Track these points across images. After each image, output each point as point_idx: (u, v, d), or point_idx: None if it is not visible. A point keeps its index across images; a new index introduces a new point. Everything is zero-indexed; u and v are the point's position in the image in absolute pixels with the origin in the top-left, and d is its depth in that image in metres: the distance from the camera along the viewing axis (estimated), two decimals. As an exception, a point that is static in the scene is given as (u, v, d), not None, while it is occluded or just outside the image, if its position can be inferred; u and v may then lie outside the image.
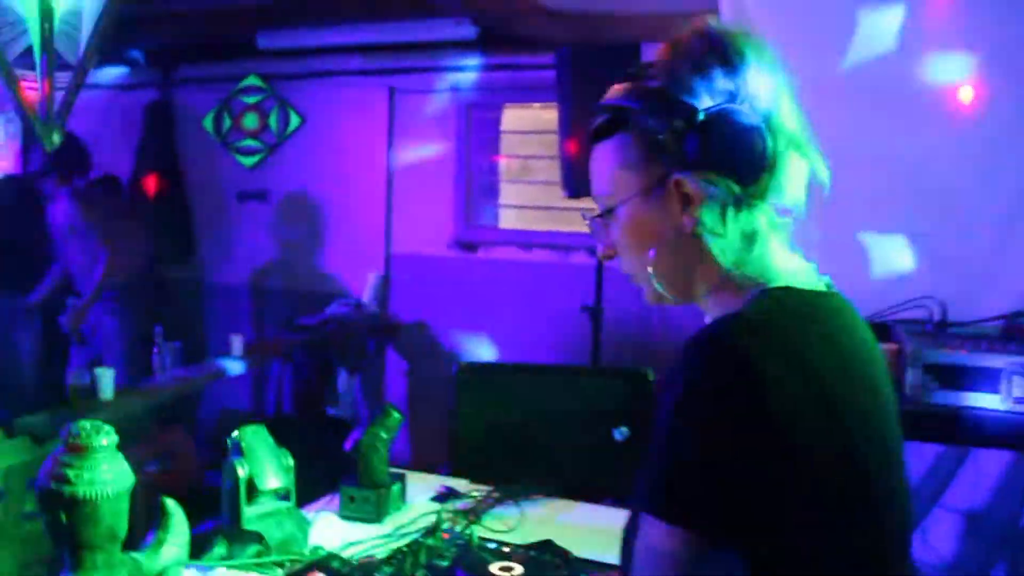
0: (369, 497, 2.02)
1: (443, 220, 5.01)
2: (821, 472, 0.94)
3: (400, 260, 5.11)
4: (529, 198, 4.93)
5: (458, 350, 4.82)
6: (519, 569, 1.63)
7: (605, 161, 1.13)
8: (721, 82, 1.04)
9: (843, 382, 1.00)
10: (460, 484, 2.27)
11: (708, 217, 1.04)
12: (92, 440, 1.38)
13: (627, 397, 2.53)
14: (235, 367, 4.02)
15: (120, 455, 1.43)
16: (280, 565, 1.73)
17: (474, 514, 2.05)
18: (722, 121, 1.02)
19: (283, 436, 3.57)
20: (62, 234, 4.36)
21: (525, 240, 4.87)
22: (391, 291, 5.10)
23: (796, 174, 1.08)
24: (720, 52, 1.05)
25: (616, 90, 1.11)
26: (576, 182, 3.89)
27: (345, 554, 1.80)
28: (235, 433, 1.81)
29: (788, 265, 1.09)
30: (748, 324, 0.98)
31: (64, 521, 1.38)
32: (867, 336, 1.10)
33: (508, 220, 5.04)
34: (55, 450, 1.38)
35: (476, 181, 5.00)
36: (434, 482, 2.30)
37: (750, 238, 1.06)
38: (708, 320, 1.08)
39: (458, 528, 1.91)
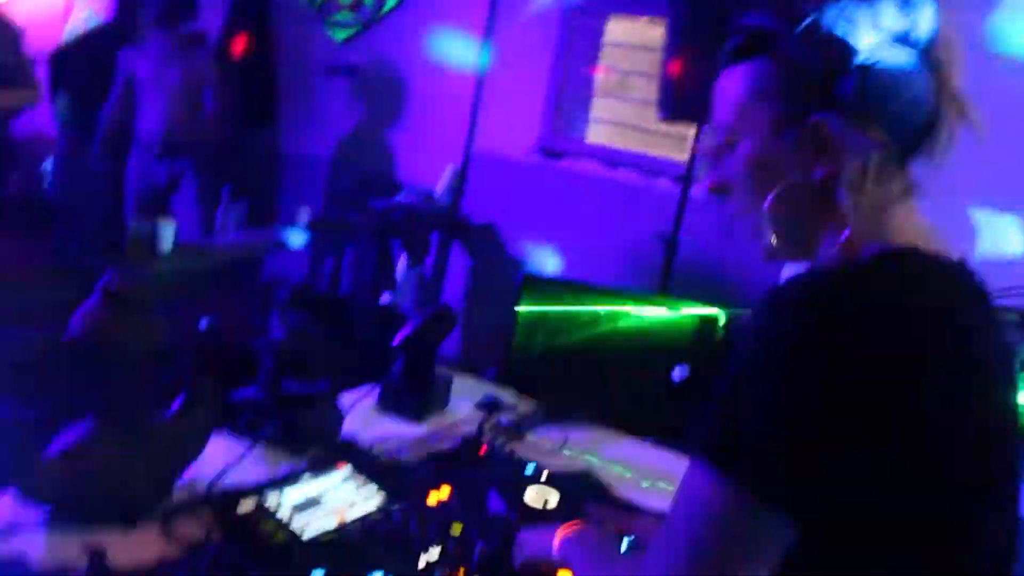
0: (410, 395, 1.95)
1: (530, 124, 4.83)
2: (900, 460, 0.82)
3: (480, 158, 4.97)
4: (622, 115, 4.72)
5: (523, 257, 4.72)
6: (555, 499, 1.53)
7: (736, 87, 0.97)
8: (891, 17, 0.90)
9: (956, 372, 0.86)
10: (506, 394, 2.19)
11: (847, 170, 0.90)
12: (129, 294, 1.31)
13: (693, 336, 2.40)
14: (297, 239, 3.96)
15: (155, 313, 1.36)
16: (306, 450, 1.66)
17: (516, 430, 1.97)
18: (886, 63, 0.88)
19: (334, 316, 3.53)
20: (143, 83, 4.27)
21: (612, 157, 4.68)
22: (466, 188, 4.98)
23: (951, 136, 0.94)
24: None
25: (762, 9, 0.95)
26: (674, 105, 3.69)
27: (376, 450, 1.73)
28: (281, 308, 1.73)
29: (922, 236, 0.94)
30: (855, 276, 0.86)
31: (92, 375, 1.32)
32: (998, 327, 0.95)
33: (596, 135, 4.85)
34: (89, 299, 1.31)
35: (569, 90, 4.80)
36: (480, 388, 2.22)
37: (888, 201, 0.93)
38: None
39: (498, 443, 1.83)
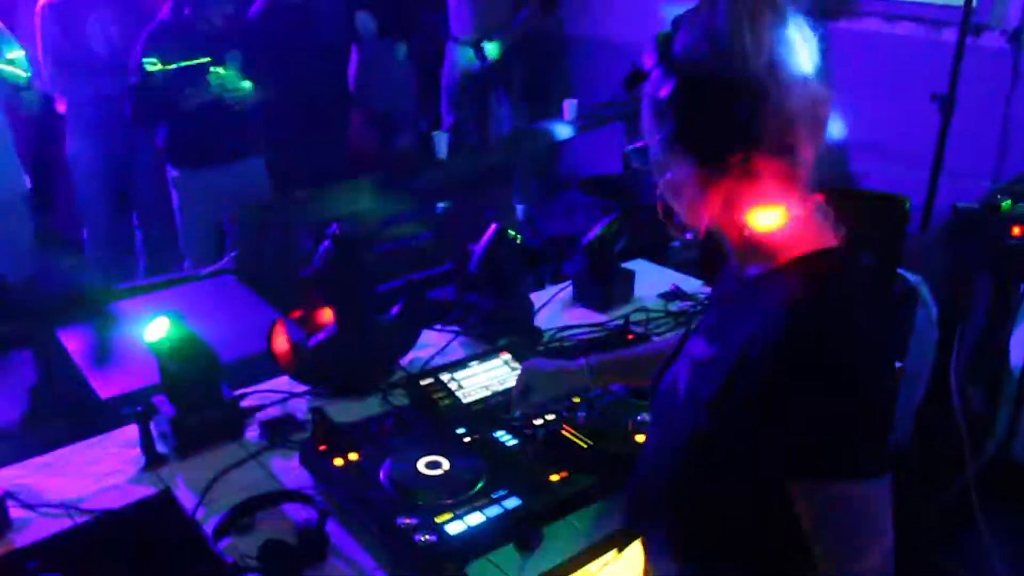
0: (595, 288, 2.57)
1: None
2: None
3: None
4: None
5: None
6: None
7: (644, 106, 1.28)
8: (715, 64, 1.15)
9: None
10: (693, 284, 2.73)
11: (682, 187, 1.24)
12: (349, 239, 2.05)
13: (877, 221, 2.73)
14: (563, 131, 4.60)
15: (369, 249, 2.09)
16: (500, 338, 2.34)
17: (685, 317, 2.52)
18: (693, 108, 1.17)
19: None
20: None
21: (891, 11, 4.79)
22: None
23: (797, 146, 1.18)
24: (718, 18, 1.16)
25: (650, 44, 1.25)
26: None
27: (557, 336, 2.39)
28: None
29: (809, 224, 1.23)
30: (843, 309, 1.17)
31: (327, 291, 2.11)
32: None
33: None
34: (322, 243, 2.07)
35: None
36: (671, 278, 2.78)
37: (727, 198, 1.21)
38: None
39: (646, 330, 2.41)
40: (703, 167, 1.20)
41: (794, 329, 1.14)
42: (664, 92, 1.19)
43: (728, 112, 1.15)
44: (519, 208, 5.32)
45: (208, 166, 3.95)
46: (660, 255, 3.14)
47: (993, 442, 3.47)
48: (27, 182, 3.89)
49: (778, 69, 1.14)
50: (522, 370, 1.87)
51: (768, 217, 1.21)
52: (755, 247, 1.25)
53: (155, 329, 1.86)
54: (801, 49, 1.17)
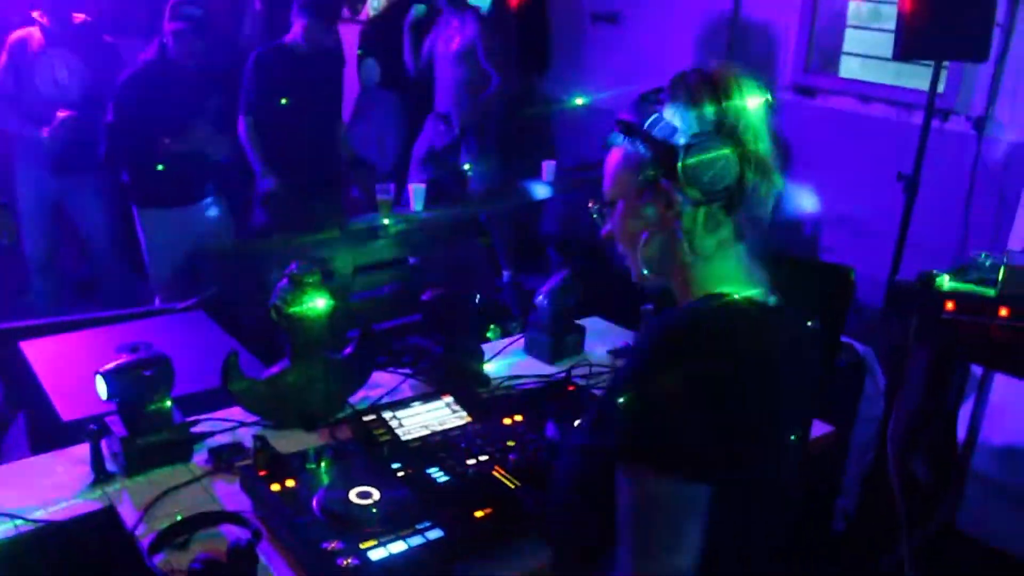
0: (544, 341, 2.69)
1: (783, 60, 5.23)
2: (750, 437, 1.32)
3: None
4: (875, 47, 4.98)
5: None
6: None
7: (614, 163, 1.49)
8: (708, 114, 1.38)
9: (767, 387, 1.33)
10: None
11: (683, 220, 1.41)
12: (304, 278, 2.17)
13: (823, 290, 2.86)
14: (541, 192, 4.75)
15: (322, 289, 2.20)
16: (447, 382, 2.46)
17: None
18: (700, 147, 1.37)
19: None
20: (446, 60, 5.21)
21: (865, 92, 4.97)
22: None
23: (761, 196, 1.40)
24: (712, 90, 1.38)
25: (632, 106, 1.47)
26: (906, 43, 3.97)
27: (504, 384, 2.52)
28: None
29: (745, 274, 1.43)
30: (697, 325, 1.34)
31: (283, 327, 2.22)
32: (804, 352, 1.45)
33: (849, 70, 5.14)
34: (281, 281, 2.19)
35: (822, 22, 5.12)
36: (622, 335, 2.91)
37: (722, 246, 1.41)
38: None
39: (589, 383, 2.52)
40: (688, 206, 1.39)
41: (654, 337, 1.33)
42: (669, 137, 1.39)
43: (719, 155, 1.37)
44: (505, 275, 5.44)
45: (172, 208, 4.11)
46: (629, 318, 3.26)
47: (937, 513, 3.58)
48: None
49: (751, 123, 1.39)
50: None
51: (722, 256, 1.43)
52: (693, 287, 1.43)
53: (100, 389, 2.00)
54: (762, 114, 1.41)
